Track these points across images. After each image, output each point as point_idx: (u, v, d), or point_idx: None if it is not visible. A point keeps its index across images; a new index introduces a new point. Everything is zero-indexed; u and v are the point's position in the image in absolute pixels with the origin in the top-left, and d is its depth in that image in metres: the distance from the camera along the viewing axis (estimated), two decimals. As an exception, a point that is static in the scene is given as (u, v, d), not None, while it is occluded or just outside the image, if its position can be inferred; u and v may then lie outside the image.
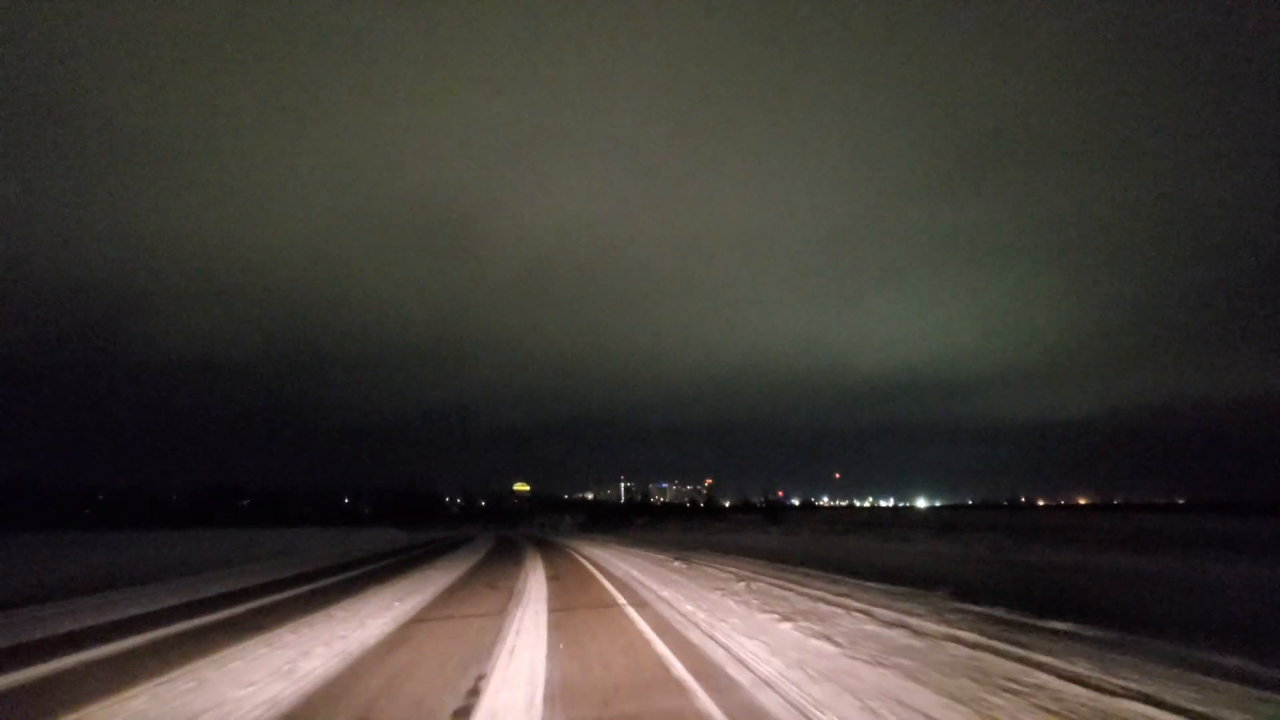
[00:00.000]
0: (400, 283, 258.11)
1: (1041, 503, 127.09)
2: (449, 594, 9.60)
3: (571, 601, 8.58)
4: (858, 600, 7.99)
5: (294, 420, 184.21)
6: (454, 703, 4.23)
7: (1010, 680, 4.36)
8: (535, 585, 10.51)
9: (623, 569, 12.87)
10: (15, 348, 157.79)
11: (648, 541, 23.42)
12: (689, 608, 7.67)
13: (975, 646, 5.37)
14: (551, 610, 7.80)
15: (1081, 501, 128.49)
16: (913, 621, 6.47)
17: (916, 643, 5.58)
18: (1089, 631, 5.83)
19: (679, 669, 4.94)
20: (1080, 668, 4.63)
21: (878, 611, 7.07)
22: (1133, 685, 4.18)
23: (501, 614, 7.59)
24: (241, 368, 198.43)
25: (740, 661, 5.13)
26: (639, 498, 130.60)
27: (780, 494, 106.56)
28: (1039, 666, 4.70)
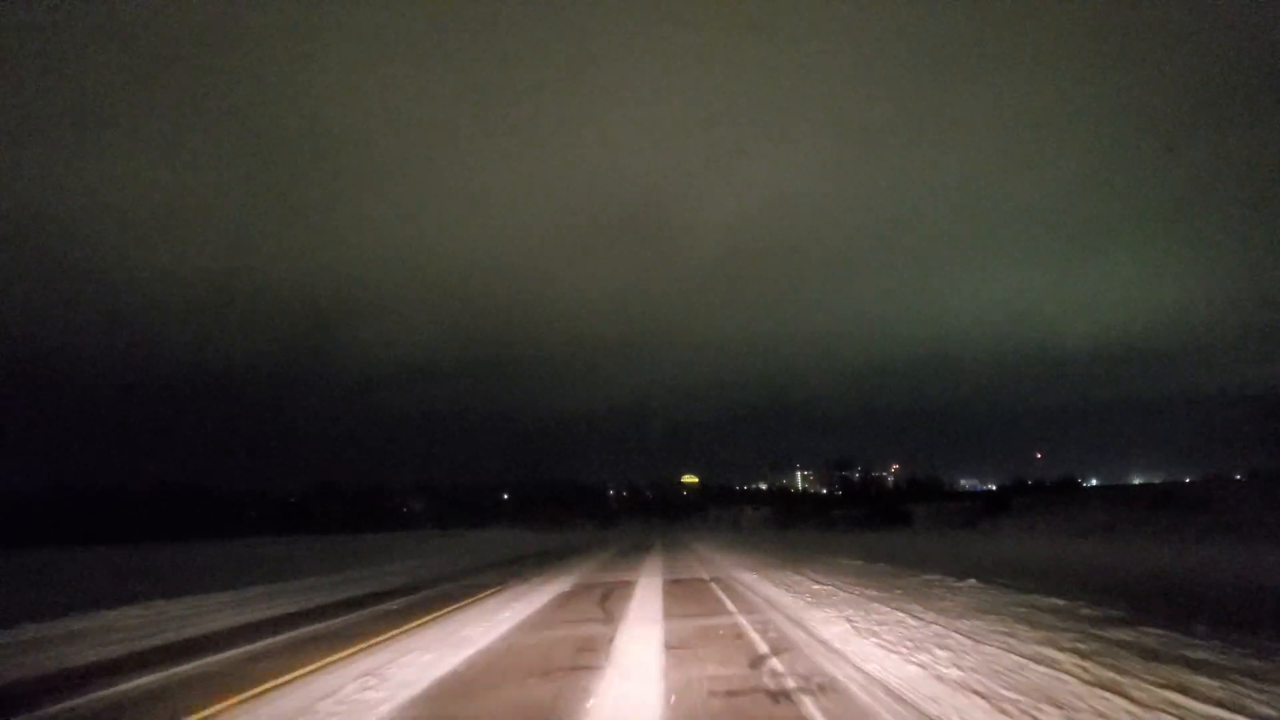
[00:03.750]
0: (591, 280, 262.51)
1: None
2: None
3: None
4: None
5: (478, 422, 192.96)
6: None
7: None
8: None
9: None
10: (222, 361, 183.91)
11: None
12: None
13: None
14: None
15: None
16: None
17: None
18: None
19: None
20: None
21: None
22: None
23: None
24: (433, 375, 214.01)
25: None
26: (824, 488, 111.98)
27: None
28: None
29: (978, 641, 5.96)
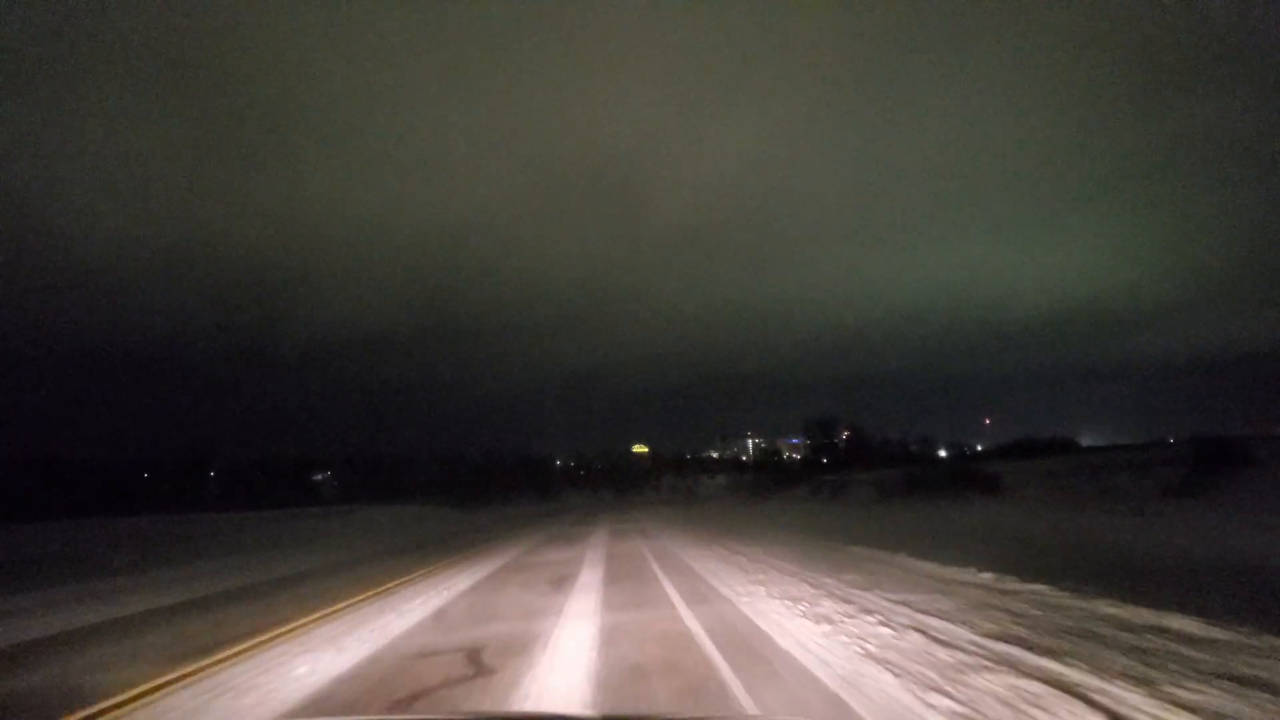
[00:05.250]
0: (554, 249, 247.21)
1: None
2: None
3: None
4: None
5: (424, 395, 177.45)
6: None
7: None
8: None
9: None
10: (173, 330, 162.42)
11: None
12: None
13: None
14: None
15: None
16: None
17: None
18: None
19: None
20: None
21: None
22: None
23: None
24: (378, 346, 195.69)
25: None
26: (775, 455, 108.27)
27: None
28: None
29: None
